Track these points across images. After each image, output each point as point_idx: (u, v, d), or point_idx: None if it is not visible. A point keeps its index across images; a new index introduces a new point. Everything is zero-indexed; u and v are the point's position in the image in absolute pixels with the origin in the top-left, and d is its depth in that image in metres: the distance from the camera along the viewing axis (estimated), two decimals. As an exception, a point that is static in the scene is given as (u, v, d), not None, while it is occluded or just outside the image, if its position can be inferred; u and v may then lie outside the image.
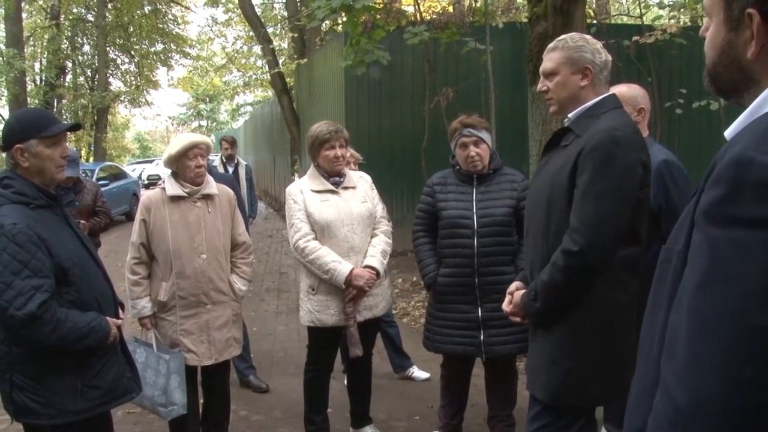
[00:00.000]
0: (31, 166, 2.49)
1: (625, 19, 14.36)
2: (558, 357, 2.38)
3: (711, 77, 1.16)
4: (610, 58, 2.45)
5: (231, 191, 3.80)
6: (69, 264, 2.47)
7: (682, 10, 10.59)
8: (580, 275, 2.30)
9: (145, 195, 3.66)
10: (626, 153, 2.26)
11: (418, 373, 5.03)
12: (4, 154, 2.54)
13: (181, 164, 3.49)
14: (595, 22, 9.98)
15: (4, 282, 2.33)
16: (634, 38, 8.74)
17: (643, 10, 11.13)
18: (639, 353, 1.27)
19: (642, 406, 1.18)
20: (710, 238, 0.99)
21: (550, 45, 2.50)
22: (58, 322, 2.39)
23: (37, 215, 2.46)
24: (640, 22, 10.58)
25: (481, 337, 3.45)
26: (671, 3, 10.75)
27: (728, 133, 1.13)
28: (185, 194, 3.50)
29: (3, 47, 21.25)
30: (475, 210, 3.44)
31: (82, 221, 4.43)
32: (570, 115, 2.45)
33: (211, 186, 3.60)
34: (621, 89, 3.14)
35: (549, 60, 2.46)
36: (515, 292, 2.59)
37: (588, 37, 2.49)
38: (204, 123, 52.37)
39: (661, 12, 11.36)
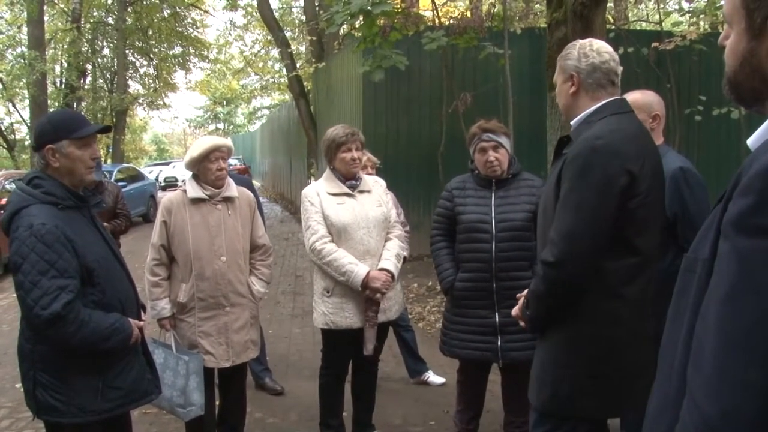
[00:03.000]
0: (61, 167, 2.53)
1: (643, 24, 14.29)
2: (549, 367, 2.36)
3: (731, 86, 1.15)
4: (605, 59, 2.34)
5: (251, 194, 3.82)
6: (95, 265, 2.51)
7: (702, 16, 10.49)
8: (558, 286, 2.28)
9: (166, 197, 3.69)
10: (605, 161, 2.18)
11: (433, 377, 5.03)
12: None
13: (202, 167, 3.52)
14: (613, 28, 9.93)
15: (30, 281, 2.36)
16: (654, 44, 8.69)
17: (663, 16, 11.07)
18: (659, 363, 1.25)
19: (663, 417, 1.17)
20: (739, 248, 0.98)
21: None
22: (82, 322, 2.42)
23: (65, 216, 2.49)
24: (660, 28, 10.52)
25: (498, 343, 3.45)
26: (691, 9, 10.68)
27: (751, 142, 1.12)
28: (206, 197, 3.53)
29: (25, 50, 21.49)
30: (493, 215, 3.44)
31: (104, 223, 4.47)
32: (572, 123, 2.42)
33: (232, 189, 3.62)
34: (635, 96, 3.12)
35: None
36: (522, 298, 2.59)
37: (582, 42, 2.43)
38: (221, 126, 52.70)
39: (680, 18, 11.28)
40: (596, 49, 2.37)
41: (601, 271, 2.25)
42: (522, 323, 2.56)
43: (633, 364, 2.31)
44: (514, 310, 2.62)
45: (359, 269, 3.52)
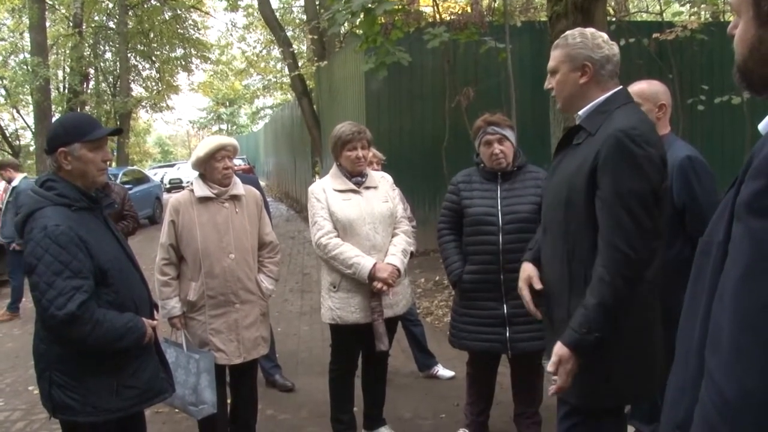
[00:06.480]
0: (73, 169, 2.56)
1: (644, 15, 14.27)
2: (590, 361, 2.27)
3: (741, 73, 1.16)
4: (615, 51, 2.39)
5: (257, 192, 3.85)
6: (108, 266, 2.53)
7: (702, 5, 10.48)
8: (632, 284, 2.20)
9: (173, 197, 3.72)
10: (648, 152, 2.20)
11: (443, 371, 5.06)
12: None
13: (209, 166, 3.55)
14: (614, 19, 9.93)
15: (46, 282, 2.39)
16: (655, 35, 8.68)
17: (663, 6, 11.06)
18: (677, 347, 1.27)
19: (684, 399, 1.18)
20: (752, 229, 1.00)
21: (555, 42, 2.47)
22: (96, 322, 2.45)
23: (79, 217, 2.52)
24: (660, 19, 10.52)
25: (507, 334, 3.47)
26: (691, -1, 10.67)
27: (762, 127, 1.15)
28: (213, 195, 3.56)
29: (28, 56, 21.55)
30: (499, 207, 3.46)
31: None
32: (580, 113, 2.40)
33: (238, 187, 3.65)
34: (641, 86, 3.14)
35: (552, 58, 2.44)
36: (530, 286, 2.56)
37: (590, 31, 2.43)
38: (224, 127, 52.80)
39: (681, 8, 11.26)
40: (606, 40, 2.40)
41: None
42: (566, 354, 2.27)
43: (655, 348, 2.33)
44: (530, 306, 2.58)
45: (366, 261, 3.55)
